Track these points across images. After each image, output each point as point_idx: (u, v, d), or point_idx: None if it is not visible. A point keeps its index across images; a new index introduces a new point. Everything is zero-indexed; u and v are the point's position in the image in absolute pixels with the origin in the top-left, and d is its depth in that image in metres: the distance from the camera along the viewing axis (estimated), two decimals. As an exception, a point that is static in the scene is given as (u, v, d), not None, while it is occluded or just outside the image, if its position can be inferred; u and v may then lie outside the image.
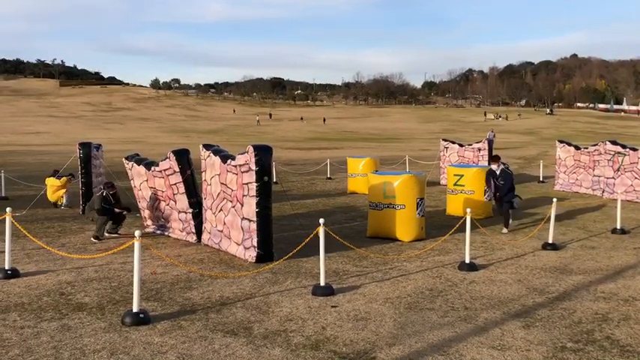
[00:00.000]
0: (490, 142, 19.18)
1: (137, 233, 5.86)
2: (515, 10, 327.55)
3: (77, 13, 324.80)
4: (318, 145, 48.72)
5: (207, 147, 9.77)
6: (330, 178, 22.18)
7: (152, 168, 10.62)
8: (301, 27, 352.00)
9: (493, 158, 12.18)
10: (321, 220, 7.00)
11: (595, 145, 17.44)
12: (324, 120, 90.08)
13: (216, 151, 9.48)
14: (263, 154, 8.35)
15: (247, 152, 8.44)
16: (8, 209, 7.68)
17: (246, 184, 8.47)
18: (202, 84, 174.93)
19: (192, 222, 10.07)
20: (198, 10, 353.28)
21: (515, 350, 5.10)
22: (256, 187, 8.30)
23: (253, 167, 8.29)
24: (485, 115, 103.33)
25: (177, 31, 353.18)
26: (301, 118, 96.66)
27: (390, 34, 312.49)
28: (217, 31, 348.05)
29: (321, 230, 6.93)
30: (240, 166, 8.60)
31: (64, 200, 14.29)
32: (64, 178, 14.33)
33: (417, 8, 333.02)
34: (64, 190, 14.34)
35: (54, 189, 14.31)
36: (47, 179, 14.55)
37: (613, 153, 16.07)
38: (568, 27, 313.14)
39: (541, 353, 5.03)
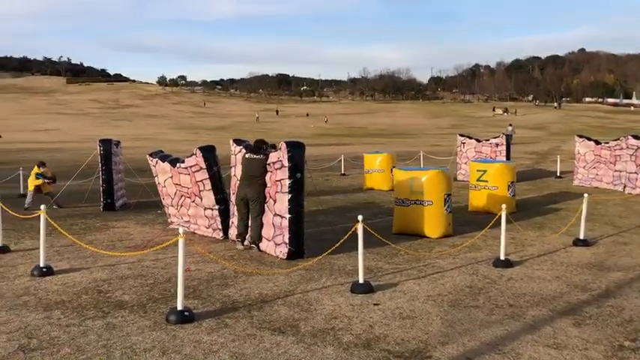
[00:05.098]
0: (508, 137, 19.04)
1: (181, 230, 5.79)
2: (522, 4, 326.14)
3: (83, 11, 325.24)
4: (327, 141, 48.59)
5: (237, 142, 9.69)
6: (344, 175, 22.09)
7: (177, 165, 10.55)
8: (307, 23, 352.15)
9: None
10: (360, 217, 6.92)
11: (616, 139, 17.29)
12: (326, 120, 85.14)
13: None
14: (296, 150, 8.28)
15: (280, 149, 8.36)
16: (42, 206, 7.65)
17: (279, 180, 8.40)
18: (208, 80, 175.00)
19: (218, 218, 10.01)
20: (204, 7, 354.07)
21: (573, 349, 5.01)
22: (289, 183, 8.23)
23: (286, 164, 8.21)
24: (493, 110, 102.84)
25: (183, 28, 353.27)
26: (307, 115, 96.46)
27: (397, 30, 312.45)
28: (223, 28, 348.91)
29: (359, 227, 6.85)
30: (273, 163, 8.53)
31: (28, 199, 13.39)
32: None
33: (424, 3, 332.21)
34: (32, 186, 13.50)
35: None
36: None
37: (635, 147, 15.91)
38: (576, 21, 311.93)
39: (600, 352, 4.93)
